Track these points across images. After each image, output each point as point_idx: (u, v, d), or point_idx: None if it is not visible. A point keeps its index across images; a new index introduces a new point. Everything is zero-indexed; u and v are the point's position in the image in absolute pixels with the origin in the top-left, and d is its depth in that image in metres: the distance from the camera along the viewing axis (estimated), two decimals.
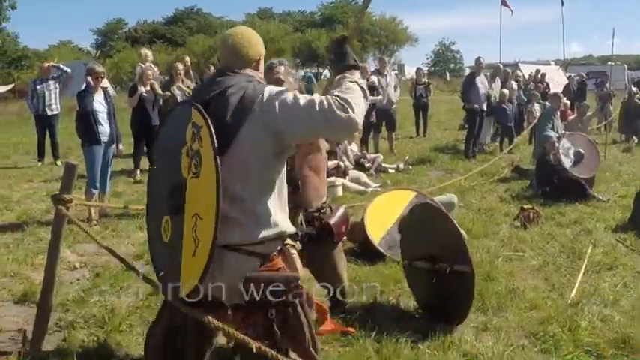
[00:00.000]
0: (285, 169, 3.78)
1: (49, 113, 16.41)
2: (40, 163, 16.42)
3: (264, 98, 3.54)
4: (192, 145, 3.57)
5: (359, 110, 3.43)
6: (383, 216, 8.77)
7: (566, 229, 10.21)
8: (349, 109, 3.39)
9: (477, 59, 17.97)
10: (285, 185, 3.82)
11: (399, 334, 5.91)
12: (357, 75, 3.72)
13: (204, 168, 3.48)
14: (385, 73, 17.71)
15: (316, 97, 3.48)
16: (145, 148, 14.40)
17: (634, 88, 23.62)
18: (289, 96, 3.54)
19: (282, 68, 5.17)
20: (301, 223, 5.16)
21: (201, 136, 3.49)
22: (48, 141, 16.69)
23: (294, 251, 3.92)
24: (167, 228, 3.77)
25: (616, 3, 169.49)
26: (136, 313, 6.58)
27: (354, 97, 3.47)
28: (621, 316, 6.59)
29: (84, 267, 8.24)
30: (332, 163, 12.47)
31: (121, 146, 11.07)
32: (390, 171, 15.07)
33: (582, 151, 13.07)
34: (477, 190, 13.38)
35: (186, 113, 3.66)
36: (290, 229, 3.80)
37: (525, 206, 10.90)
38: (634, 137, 20.74)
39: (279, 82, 5.01)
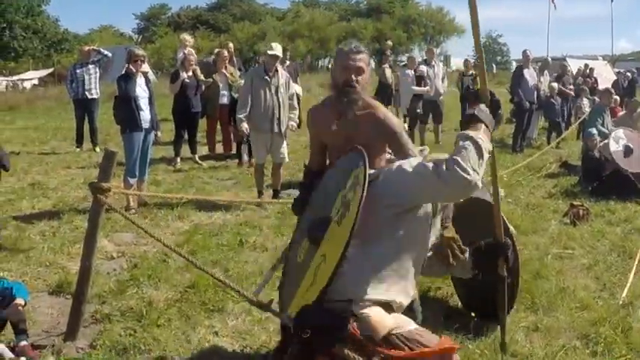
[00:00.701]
0: (421, 240, 3.84)
1: (89, 97, 16.21)
2: (78, 149, 16.24)
3: (388, 170, 3.84)
4: (347, 193, 3.76)
5: (469, 166, 3.50)
6: None
7: (616, 227, 9.97)
8: (458, 167, 3.48)
9: (524, 52, 17.58)
10: (414, 257, 3.80)
11: (447, 333, 5.71)
12: (478, 130, 3.74)
13: (346, 220, 3.59)
14: (433, 63, 17.52)
15: (431, 162, 3.61)
16: (186, 136, 14.24)
17: None
18: (405, 165, 3.75)
19: (364, 56, 4.69)
20: None
21: (356, 191, 3.61)
22: (86, 127, 16.51)
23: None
24: (303, 252, 4.00)
25: None
26: (175, 307, 6.40)
27: (465, 156, 3.54)
28: None
29: (121, 257, 8.03)
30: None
31: (159, 133, 10.88)
32: None
33: (632, 146, 12.72)
34: (525, 185, 13.07)
35: (356, 163, 3.82)
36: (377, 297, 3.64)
37: (575, 203, 10.65)
38: None
39: (360, 71, 4.64)
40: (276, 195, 10.76)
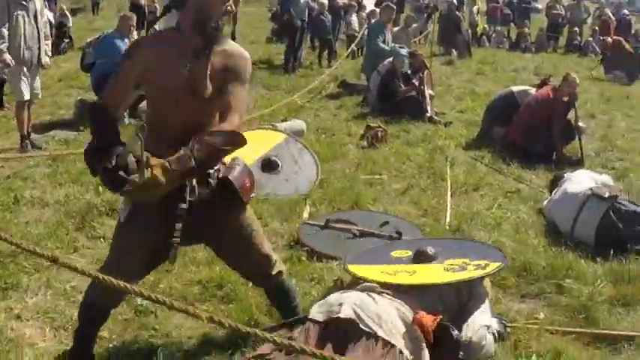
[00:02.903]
0: None
1: None
2: None
3: None
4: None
5: None
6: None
7: (417, 148, 9.93)
8: None
9: None
10: None
11: None
12: None
13: None
14: None
15: None
16: None
17: (455, 1, 23.48)
18: None
19: None
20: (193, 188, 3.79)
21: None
22: None
23: None
24: None
25: None
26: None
27: None
28: (510, 241, 6.40)
29: None
30: None
31: None
32: None
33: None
34: (308, 107, 12.53)
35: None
36: None
37: (371, 124, 10.39)
38: (453, 50, 20.58)
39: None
40: (27, 138, 9.35)
